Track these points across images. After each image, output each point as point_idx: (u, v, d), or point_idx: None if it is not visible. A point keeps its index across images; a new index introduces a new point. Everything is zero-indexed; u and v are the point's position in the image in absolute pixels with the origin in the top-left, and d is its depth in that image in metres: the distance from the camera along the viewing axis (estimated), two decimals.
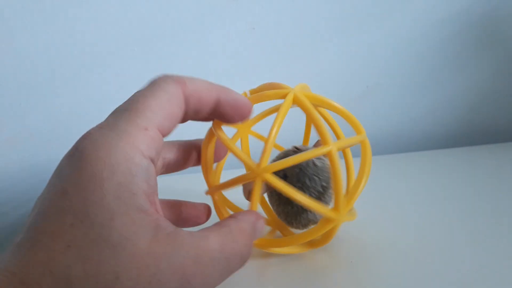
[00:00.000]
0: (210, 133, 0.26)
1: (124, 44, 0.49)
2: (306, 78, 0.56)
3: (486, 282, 0.25)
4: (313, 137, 0.30)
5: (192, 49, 0.51)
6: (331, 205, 0.25)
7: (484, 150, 0.55)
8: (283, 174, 0.27)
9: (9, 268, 0.15)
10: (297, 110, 0.26)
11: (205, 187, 0.27)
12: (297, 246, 0.27)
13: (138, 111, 0.19)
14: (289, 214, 0.27)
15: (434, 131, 0.63)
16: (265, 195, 0.30)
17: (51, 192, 0.17)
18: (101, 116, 0.52)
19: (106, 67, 0.49)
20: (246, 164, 0.23)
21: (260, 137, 0.32)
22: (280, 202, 0.27)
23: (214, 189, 0.26)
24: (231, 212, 0.28)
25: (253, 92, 0.27)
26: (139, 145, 0.18)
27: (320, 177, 0.27)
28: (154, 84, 0.20)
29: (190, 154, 0.26)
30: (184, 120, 0.22)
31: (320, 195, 0.27)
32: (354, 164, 0.28)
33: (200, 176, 0.27)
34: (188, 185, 0.40)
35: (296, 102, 0.24)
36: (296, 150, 0.28)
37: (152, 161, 0.19)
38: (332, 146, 0.22)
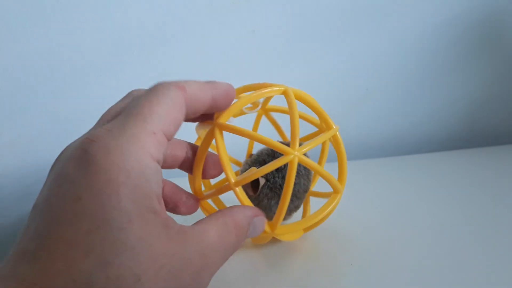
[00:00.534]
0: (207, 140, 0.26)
1: (124, 47, 0.49)
2: (306, 81, 0.56)
3: (486, 283, 0.24)
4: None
5: (192, 52, 0.51)
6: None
7: (484, 153, 0.55)
8: (262, 159, 0.29)
9: (28, 278, 0.15)
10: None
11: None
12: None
13: (145, 115, 0.19)
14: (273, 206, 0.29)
15: (435, 133, 0.63)
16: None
17: (62, 198, 0.16)
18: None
19: (106, 70, 0.49)
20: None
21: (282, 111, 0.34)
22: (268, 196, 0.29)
23: (204, 198, 0.26)
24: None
25: (238, 91, 0.28)
26: (149, 149, 0.18)
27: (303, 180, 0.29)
28: (157, 90, 0.20)
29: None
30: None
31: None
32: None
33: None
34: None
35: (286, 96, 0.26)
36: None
37: (159, 163, 0.19)
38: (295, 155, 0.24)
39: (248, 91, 0.28)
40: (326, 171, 0.26)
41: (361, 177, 0.43)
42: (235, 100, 0.25)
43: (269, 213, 0.29)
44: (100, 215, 0.16)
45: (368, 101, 0.59)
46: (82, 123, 0.50)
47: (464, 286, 0.24)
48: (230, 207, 0.22)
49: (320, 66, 0.56)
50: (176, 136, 0.27)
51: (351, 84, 0.58)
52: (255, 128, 0.35)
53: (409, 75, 0.59)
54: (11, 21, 0.45)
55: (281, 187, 0.28)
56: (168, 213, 0.20)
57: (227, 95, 0.23)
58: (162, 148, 0.19)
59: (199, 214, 0.27)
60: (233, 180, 0.24)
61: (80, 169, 0.17)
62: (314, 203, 0.32)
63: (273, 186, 0.28)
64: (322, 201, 0.29)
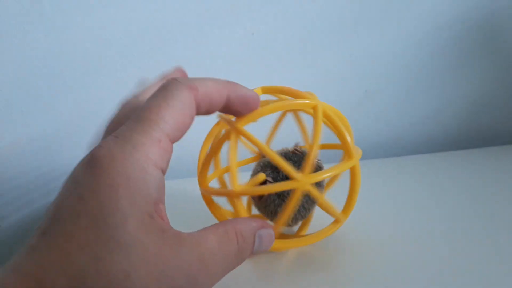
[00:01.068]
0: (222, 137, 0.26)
1: (124, 49, 0.49)
2: (305, 83, 0.56)
3: (486, 284, 0.24)
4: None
5: (191, 54, 0.51)
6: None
7: (484, 153, 0.55)
8: (273, 165, 0.28)
9: (25, 270, 0.16)
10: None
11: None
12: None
13: (152, 121, 0.19)
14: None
15: (434, 134, 0.63)
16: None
17: (67, 197, 0.17)
18: (102, 121, 0.52)
19: (107, 72, 0.49)
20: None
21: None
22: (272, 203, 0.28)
23: (209, 192, 0.26)
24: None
25: (265, 90, 0.28)
26: (153, 157, 0.19)
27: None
28: (167, 92, 0.20)
29: None
30: None
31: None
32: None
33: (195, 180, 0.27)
34: (185, 189, 0.41)
35: (325, 116, 0.25)
36: (296, 152, 0.29)
37: (163, 171, 0.20)
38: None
39: (275, 93, 0.27)
40: (329, 204, 0.26)
41: (360, 178, 0.43)
42: None
43: (275, 220, 0.28)
44: (98, 213, 0.16)
45: (367, 102, 0.59)
46: (83, 125, 0.50)
47: (465, 287, 0.24)
48: (234, 217, 0.22)
49: (319, 68, 0.56)
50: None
51: (351, 86, 0.58)
52: (277, 124, 0.34)
53: (408, 76, 0.60)
54: (12, 23, 0.45)
55: (288, 194, 0.27)
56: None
57: (245, 101, 0.23)
58: (167, 155, 0.20)
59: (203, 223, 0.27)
60: (237, 190, 0.23)
61: (86, 172, 0.18)
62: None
63: (280, 192, 0.28)
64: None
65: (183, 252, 0.18)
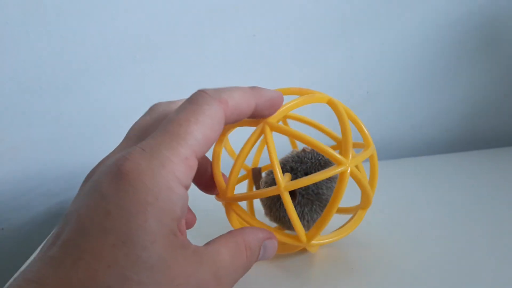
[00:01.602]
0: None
1: (125, 52, 0.49)
2: (307, 85, 0.56)
3: (486, 285, 0.24)
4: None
5: (193, 57, 0.51)
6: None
7: (485, 155, 0.55)
8: (289, 167, 0.28)
9: (50, 284, 0.15)
10: None
11: (203, 200, 0.27)
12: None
13: (180, 137, 0.19)
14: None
15: (435, 136, 0.63)
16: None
17: (92, 211, 0.17)
18: (104, 124, 0.52)
19: (108, 75, 0.49)
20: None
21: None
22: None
23: (232, 199, 0.26)
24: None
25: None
26: (179, 175, 0.18)
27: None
28: (197, 106, 0.20)
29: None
30: None
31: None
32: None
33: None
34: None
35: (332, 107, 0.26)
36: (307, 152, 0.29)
37: (187, 188, 0.19)
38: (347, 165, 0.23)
39: (288, 94, 0.27)
40: (368, 186, 0.26)
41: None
42: None
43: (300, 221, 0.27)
44: (126, 231, 0.16)
45: (368, 104, 0.59)
46: (84, 128, 0.50)
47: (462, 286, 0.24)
48: (241, 228, 0.22)
49: (321, 69, 0.56)
50: None
51: (352, 87, 0.58)
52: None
53: (409, 78, 0.60)
54: (14, 27, 0.45)
55: (313, 192, 0.27)
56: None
57: (272, 104, 0.23)
58: (192, 173, 0.19)
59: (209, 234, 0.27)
60: (283, 185, 0.23)
61: (112, 186, 0.17)
62: None
63: (305, 192, 0.27)
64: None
65: (202, 270, 0.18)
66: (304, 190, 0.27)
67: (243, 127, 0.26)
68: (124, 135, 0.24)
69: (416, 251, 0.29)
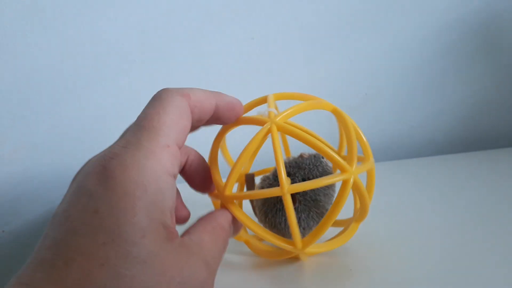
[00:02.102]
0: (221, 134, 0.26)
1: (124, 56, 0.49)
2: (305, 87, 0.56)
3: (483, 284, 0.25)
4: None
5: (191, 60, 0.51)
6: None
7: (484, 156, 0.55)
8: (287, 172, 0.28)
9: (44, 287, 0.15)
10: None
11: (198, 198, 0.27)
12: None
13: (157, 128, 0.19)
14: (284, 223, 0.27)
15: (434, 137, 0.64)
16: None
17: (80, 210, 0.17)
18: (103, 126, 0.52)
19: (108, 79, 0.50)
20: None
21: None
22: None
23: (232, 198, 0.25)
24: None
25: (277, 96, 0.28)
26: (165, 164, 0.19)
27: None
28: (162, 100, 0.20)
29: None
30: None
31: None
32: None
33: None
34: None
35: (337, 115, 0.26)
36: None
37: (174, 176, 0.20)
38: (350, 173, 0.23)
39: (289, 99, 0.27)
40: (367, 197, 0.26)
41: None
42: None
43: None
44: (115, 228, 0.16)
45: (367, 105, 0.59)
46: (84, 131, 0.50)
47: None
48: (211, 212, 0.23)
49: (319, 71, 0.56)
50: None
51: (351, 89, 0.58)
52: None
53: (408, 79, 0.60)
54: (14, 29, 0.45)
55: (311, 199, 0.27)
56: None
57: (231, 107, 0.24)
58: (176, 161, 0.20)
59: None
60: (286, 187, 0.23)
61: (99, 183, 0.17)
62: None
63: (302, 198, 0.27)
64: None
65: (193, 260, 0.18)
66: (302, 196, 0.27)
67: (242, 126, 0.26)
68: None
69: (413, 252, 0.29)
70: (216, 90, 0.23)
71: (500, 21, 0.60)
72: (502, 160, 0.53)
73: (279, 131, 0.24)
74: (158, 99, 0.21)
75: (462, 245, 0.30)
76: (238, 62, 0.53)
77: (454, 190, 0.42)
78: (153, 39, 0.50)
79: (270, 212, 0.28)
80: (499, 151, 0.57)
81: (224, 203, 0.25)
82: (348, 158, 0.24)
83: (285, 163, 0.29)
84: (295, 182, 0.27)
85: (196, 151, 0.26)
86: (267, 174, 0.29)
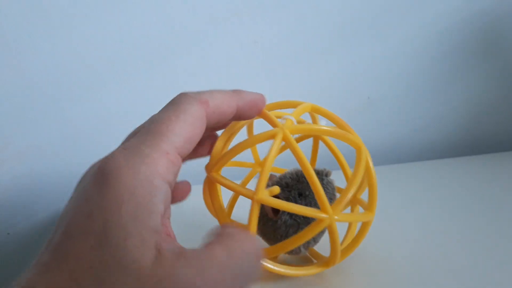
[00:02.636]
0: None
1: (129, 59, 0.50)
2: (308, 91, 0.56)
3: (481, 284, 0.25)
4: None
5: (195, 63, 0.52)
6: None
7: (486, 160, 0.55)
8: (285, 183, 0.27)
9: None
10: None
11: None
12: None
13: (162, 134, 0.19)
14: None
15: (436, 141, 0.64)
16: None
17: (77, 213, 0.17)
18: (109, 129, 0.53)
19: (113, 81, 0.50)
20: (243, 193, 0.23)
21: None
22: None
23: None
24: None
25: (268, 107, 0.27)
26: (160, 170, 0.18)
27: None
28: (179, 105, 0.20)
29: (203, 145, 0.26)
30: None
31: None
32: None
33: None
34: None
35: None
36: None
37: (170, 184, 0.19)
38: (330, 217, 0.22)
39: (277, 108, 0.27)
40: (339, 247, 0.25)
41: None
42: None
43: (281, 241, 0.26)
44: (103, 232, 0.16)
45: (370, 109, 0.59)
46: (90, 133, 0.51)
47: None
48: (234, 230, 0.20)
49: (322, 75, 0.56)
50: None
51: (353, 93, 0.58)
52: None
53: (410, 83, 0.60)
54: (18, 32, 0.46)
55: (303, 218, 0.26)
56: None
57: (253, 106, 0.23)
58: (174, 168, 0.19)
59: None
60: (258, 195, 0.22)
61: (94, 187, 0.17)
62: None
63: (295, 215, 0.26)
64: None
65: (180, 270, 0.16)
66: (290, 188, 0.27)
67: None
68: None
69: (415, 256, 0.29)
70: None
71: (502, 25, 0.60)
72: (504, 163, 0.53)
73: (283, 141, 0.23)
74: (175, 104, 0.21)
75: (464, 249, 0.30)
76: (242, 65, 0.53)
77: (456, 194, 0.42)
78: (157, 43, 0.50)
79: (261, 221, 0.27)
80: (501, 154, 0.57)
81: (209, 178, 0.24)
82: (337, 201, 0.23)
83: (287, 174, 0.28)
84: (291, 194, 0.27)
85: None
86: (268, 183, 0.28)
